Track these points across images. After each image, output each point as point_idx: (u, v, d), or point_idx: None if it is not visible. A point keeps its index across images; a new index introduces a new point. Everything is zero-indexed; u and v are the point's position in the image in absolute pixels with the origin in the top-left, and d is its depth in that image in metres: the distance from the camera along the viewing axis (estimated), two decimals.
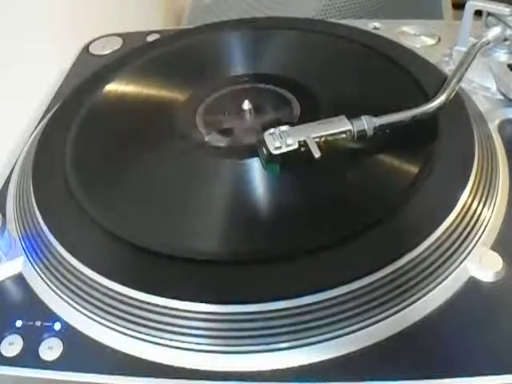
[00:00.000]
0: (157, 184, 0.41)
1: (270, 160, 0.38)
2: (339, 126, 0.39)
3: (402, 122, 0.40)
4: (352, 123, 0.39)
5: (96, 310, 0.34)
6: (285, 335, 0.32)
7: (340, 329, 0.32)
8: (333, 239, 0.34)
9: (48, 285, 0.36)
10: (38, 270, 0.37)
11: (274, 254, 0.34)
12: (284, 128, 0.39)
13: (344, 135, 0.39)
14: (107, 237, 0.36)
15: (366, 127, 0.39)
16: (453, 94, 0.42)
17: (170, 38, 0.57)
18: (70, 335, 0.34)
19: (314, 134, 0.38)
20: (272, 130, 0.39)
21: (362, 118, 0.39)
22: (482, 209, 0.37)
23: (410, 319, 0.32)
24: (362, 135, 0.39)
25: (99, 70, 0.53)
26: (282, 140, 0.38)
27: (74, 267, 0.35)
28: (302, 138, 0.38)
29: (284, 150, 0.38)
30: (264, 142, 0.38)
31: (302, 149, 0.38)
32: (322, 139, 0.38)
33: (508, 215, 0.37)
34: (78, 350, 0.33)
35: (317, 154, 0.37)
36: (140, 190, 0.40)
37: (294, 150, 0.38)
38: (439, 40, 0.54)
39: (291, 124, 0.40)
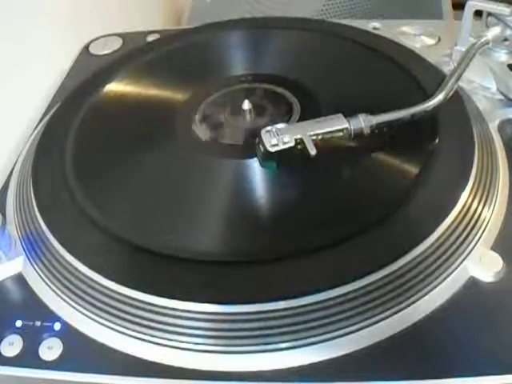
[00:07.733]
0: (157, 184, 0.41)
1: (266, 157, 0.38)
2: (336, 124, 0.39)
3: (399, 121, 0.40)
4: (349, 121, 0.39)
5: (96, 310, 0.34)
6: (285, 335, 0.32)
7: (340, 329, 0.32)
8: (332, 239, 0.34)
9: (48, 285, 0.36)
10: (38, 269, 0.37)
11: (274, 254, 0.34)
12: (281, 125, 0.39)
13: (341, 133, 0.39)
14: (107, 237, 0.36)
15: (363, 125, 0.39)
16: (451, 93, 0.42)
17: (169, 38, 0.57)
18: (70, 335, 0.34)
19: (311, 131, 0.38)
20: (269, 128, 0.39)
21: (359, 116, 0.39)
22: (482, 209, 0.37)
23: (410, 319, 0.32)
24: (359, 133, 0.39)
25: (99, 70, 0.53)
26: (278, 137, 0.38)
27: (74, 267, 0.35)
28: (298, 136, 0.38)
29: (280, 147, 0.38)
30: (261, 139, 0.38)
31: (299, 146, 0.38)
32: (319, 137, 0.38)
33: (508, 215, 0.37)
34: (78, 350, 0.33)
35: (313, 152, 0.37)
36: (140, 190, 0.40)
37: (291, 148, 0.38)
38: (439, 40, 0.54)
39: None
